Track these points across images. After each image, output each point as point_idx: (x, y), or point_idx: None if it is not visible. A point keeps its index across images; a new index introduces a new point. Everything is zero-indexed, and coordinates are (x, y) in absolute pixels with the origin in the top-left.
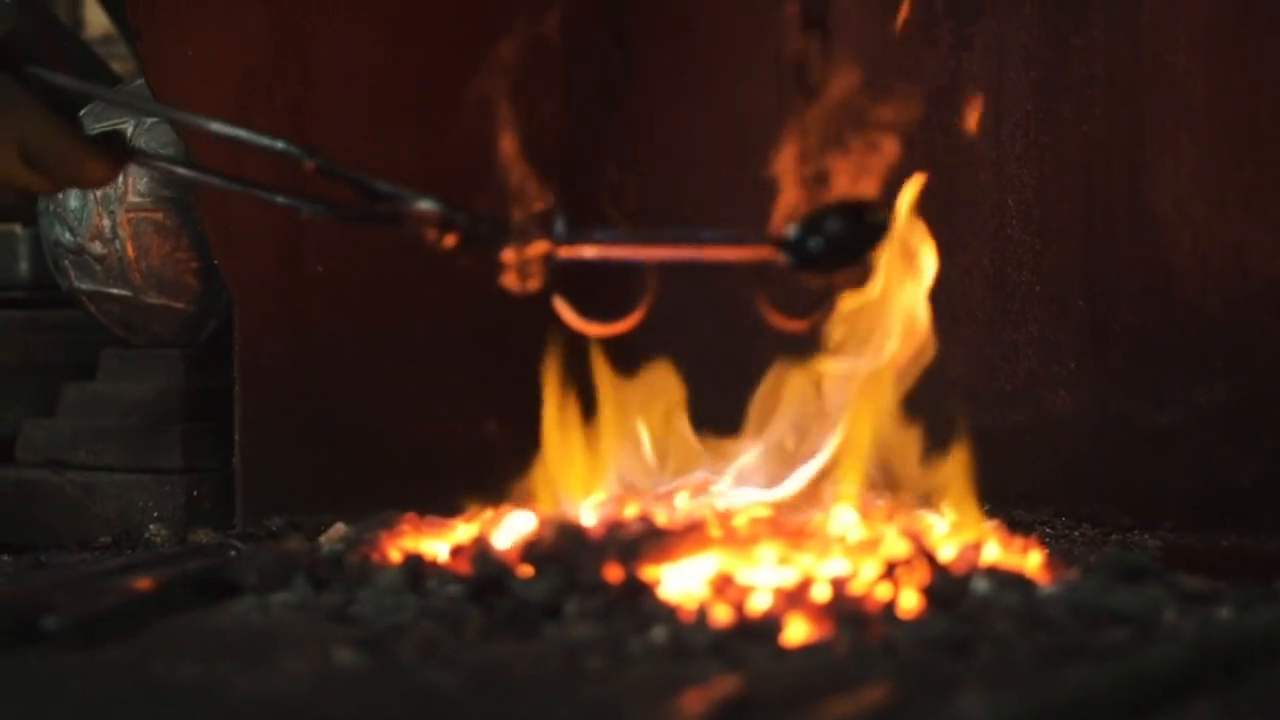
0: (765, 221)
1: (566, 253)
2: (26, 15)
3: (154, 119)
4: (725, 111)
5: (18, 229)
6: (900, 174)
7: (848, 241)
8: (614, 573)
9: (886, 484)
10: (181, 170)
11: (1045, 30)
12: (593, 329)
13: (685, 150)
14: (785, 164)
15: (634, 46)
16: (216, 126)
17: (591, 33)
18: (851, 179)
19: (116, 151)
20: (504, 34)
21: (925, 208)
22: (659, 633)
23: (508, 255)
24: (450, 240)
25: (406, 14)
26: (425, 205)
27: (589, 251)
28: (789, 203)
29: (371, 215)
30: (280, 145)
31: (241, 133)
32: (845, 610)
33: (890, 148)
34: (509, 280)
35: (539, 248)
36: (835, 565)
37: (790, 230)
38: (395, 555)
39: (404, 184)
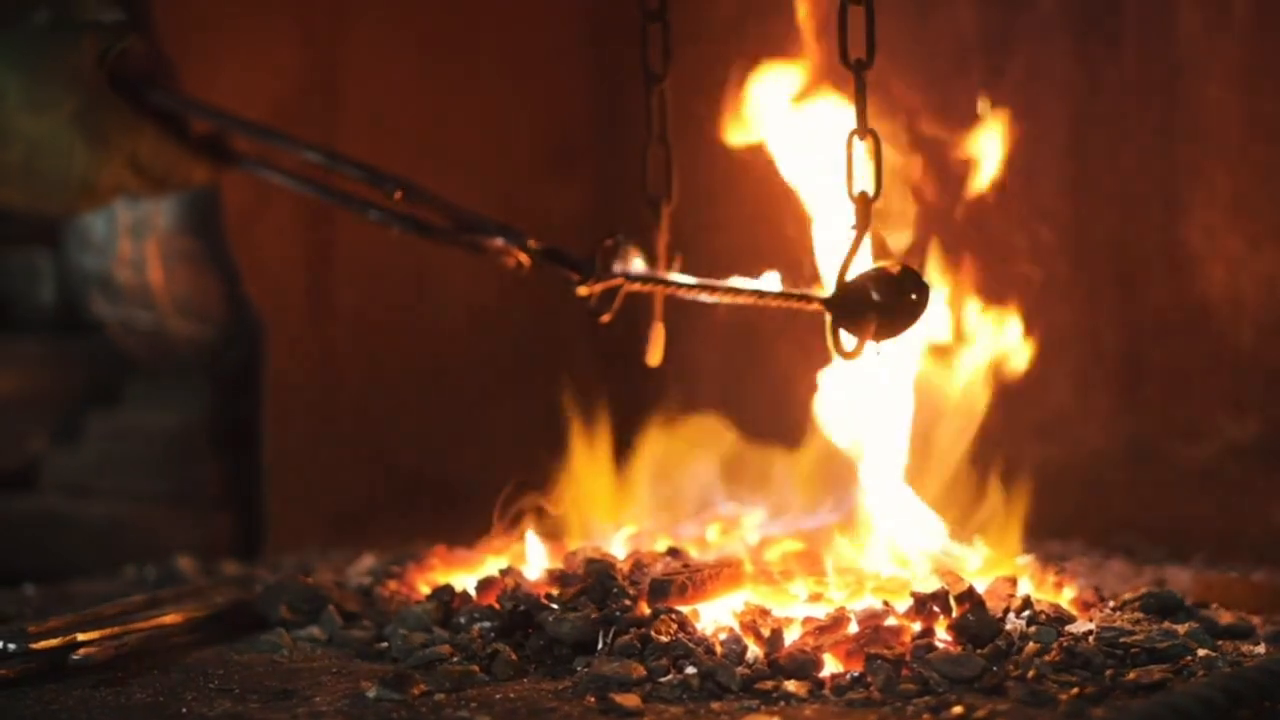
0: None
1: (635, 289)
2: (135, 34)
3: None
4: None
5: (41, 255)
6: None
7: (884, 312)
8: (646, 609)
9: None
10: (280, 178)
11: (1078, 63)
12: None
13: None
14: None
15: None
16: (310, 154)
17: (624, 66)
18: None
19: (219, 154)
20: (535, 66)
21: (961, 238)
22: (692, 670)
23: (583, 289)
24: (525, 269)
25: (436, 46)
26: (506, 239)
27: (657, 289)
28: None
29: (456, 240)
30: (370, 176)
31: (334, 162)
32: (879, 648)
33: (924, 180)
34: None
35: (612, 283)
36: (869, 601)
37: (833, 290)
38: (424, 589)
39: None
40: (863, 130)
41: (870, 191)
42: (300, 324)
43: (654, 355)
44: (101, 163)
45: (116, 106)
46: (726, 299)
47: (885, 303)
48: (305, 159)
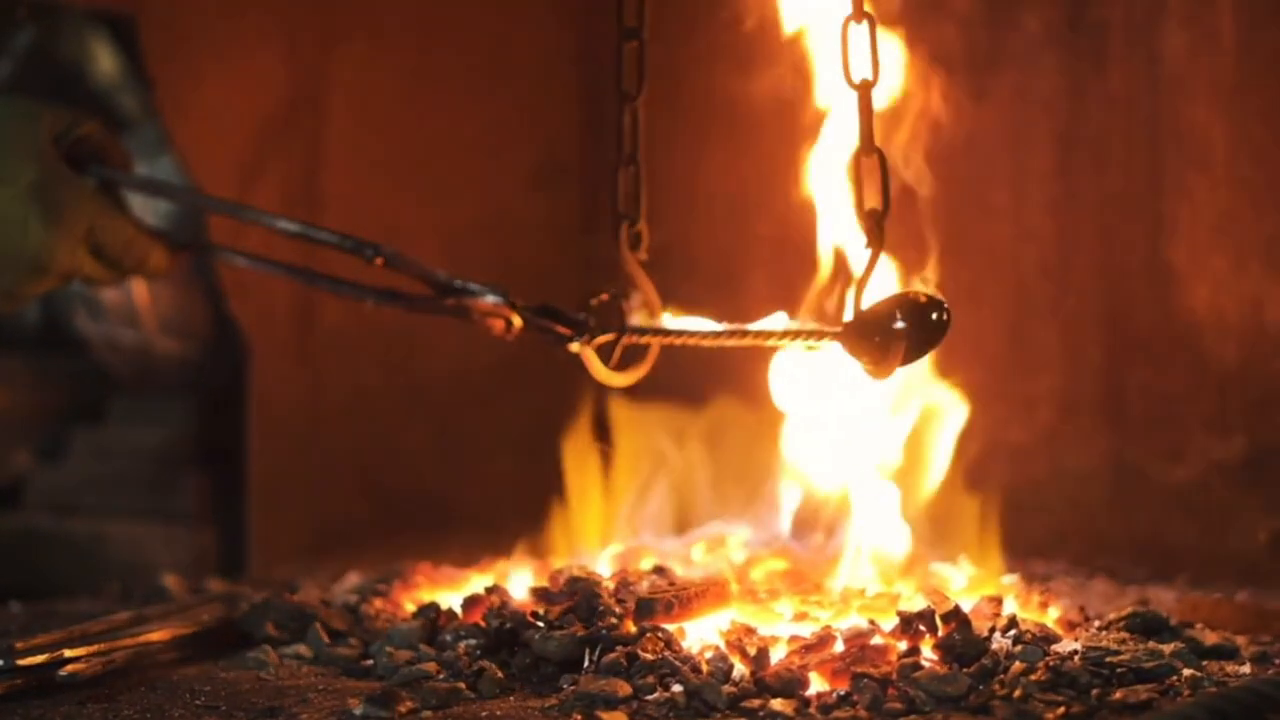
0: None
1: (632, 341)
2: (94, 119)
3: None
4: (732, 168)
5: None
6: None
7: (907, 337)
8: (632, 627)
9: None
10: (242, 260)
11: (1064, 82)
12: (616, 380)
13: (694, 203)
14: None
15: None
16: (283, 224)
17: (611, 83)
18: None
19: (178, 241)
20: (523, 88)
21: (945, 258)
22: (678, 688)
23: (574, 346)
24: (515, 332)
25: (425, 65)
26: (492, 299)
27: (653, 339)
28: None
29: (439, 307)
30: (349, 243)
31: (310, 230)
32: (865, 666)
33: (909, 200)
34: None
35: (606, 338)
36: (854, 620)
37: (844, 322)
38: (410, 607)
39: (414, 236)
40: (869, 149)
41: (880, 209)
42: (285, 342)
43: (606, 377)
44: (57, 241)
45: (74, 185)
46: (732, 343)
47: (908, 329)
48: (278, 229)
